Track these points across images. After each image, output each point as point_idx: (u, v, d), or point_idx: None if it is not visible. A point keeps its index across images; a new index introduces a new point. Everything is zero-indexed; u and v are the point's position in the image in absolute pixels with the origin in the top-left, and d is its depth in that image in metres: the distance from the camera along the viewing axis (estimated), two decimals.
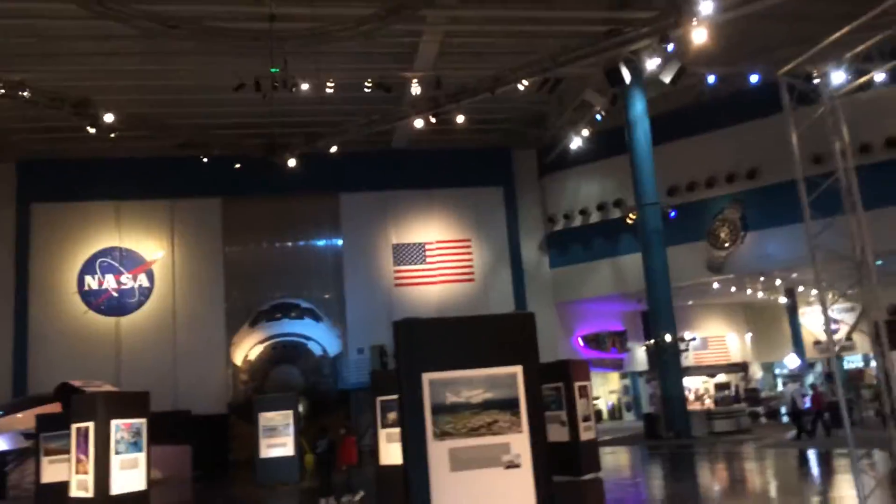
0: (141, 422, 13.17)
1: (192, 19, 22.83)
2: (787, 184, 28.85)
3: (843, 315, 39.88)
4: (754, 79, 28.11)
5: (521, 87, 25.36)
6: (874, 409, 25.27)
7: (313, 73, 24.72)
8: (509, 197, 35.43)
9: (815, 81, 26.66)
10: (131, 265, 32.13)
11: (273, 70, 24.20)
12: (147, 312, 31.99)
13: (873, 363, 41.52)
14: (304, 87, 24.56)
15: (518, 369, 6.42)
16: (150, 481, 13.40)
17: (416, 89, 25.92)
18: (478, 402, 6.28)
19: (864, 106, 27.28)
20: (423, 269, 34.08)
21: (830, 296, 39.22)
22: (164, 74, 26.89)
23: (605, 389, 40.01)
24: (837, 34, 9.90)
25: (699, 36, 21.88)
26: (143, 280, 32.16)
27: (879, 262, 31.34)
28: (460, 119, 26.38)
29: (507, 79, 24.54)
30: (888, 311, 27.39)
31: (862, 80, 10.57)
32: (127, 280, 31.96)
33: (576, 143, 31.71)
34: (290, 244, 34.33)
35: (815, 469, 17.21)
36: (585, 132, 31.16)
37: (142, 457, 13.03)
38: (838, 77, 27.69)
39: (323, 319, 29.85)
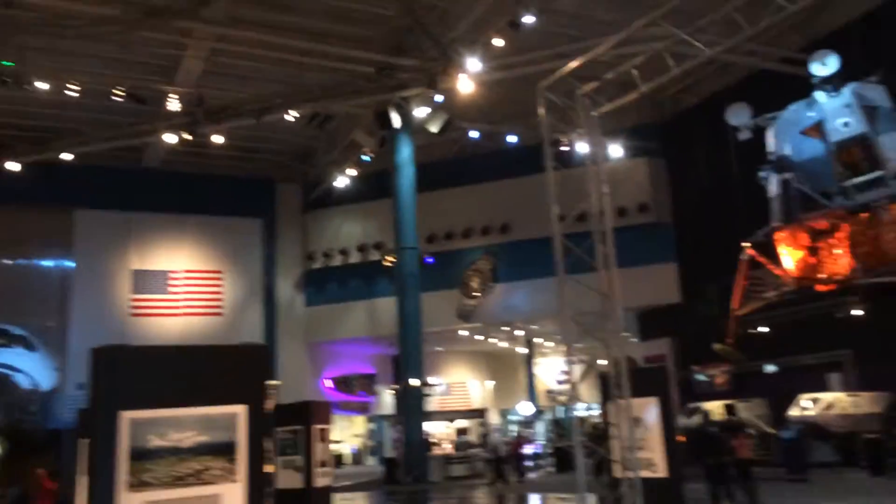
0: None
1: None
2: (535, 241, 31.16)
3: (572, 367, 43.20)
4: (513, 139, 29.88)
5: (289, 118, 24.65)
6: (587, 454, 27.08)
7: (56, 72, 22.14)
8: (268, 230, 34.14)
9: (566, 148, 28.86)
10: None
11: (6, 63, 21.37)
12: None
13: (594, 411, 45.39)
14: (42, 86, 21.84)
15: (241, 409, 5.64)
16: None
17: (174, 105, 24.09)
18: (188, 447, 5.39)
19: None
20: (166, 300, 31.49)
21: (565, 348, 41.92)
22: None
23: (350, 433, 39.44)
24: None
25: (465, 86, 22.67)
26: None
27: None
28: (219, 139, 24.73)
29: (274, 107, 23.68)
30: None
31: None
32: None
33: (342, 182, 31.45)
34: (8, 262, 30.07)
35: None
36: (352, 172, 31.04)
37: None
38: (582, 147, 30.22)
39: (37, 349, 26.24)
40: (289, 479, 13.51)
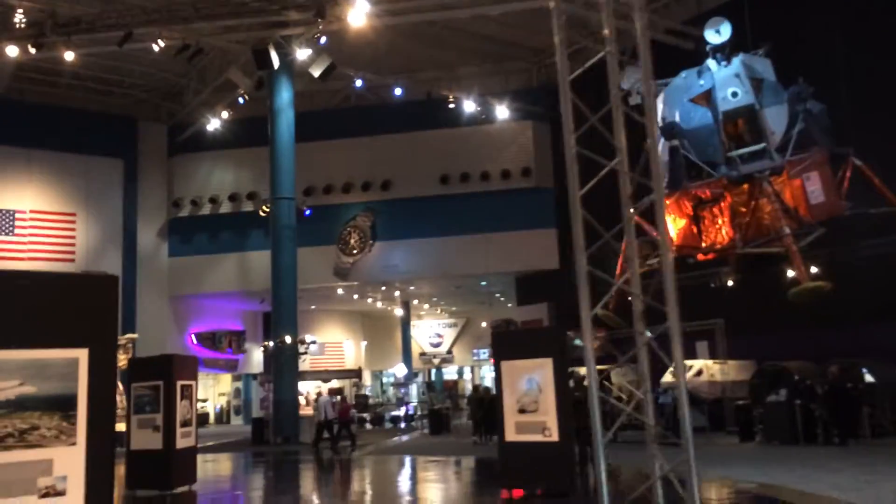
0: None
1: None
2: (416, 200, 30.43)
3: (447, 330, 43.22)
4: (398, 91, 28.74)
5: (156, 48, 22.35)
6: (467, 416, 26.96)
7: None
8: (130, 172, 31.47)
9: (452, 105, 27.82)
10: None
11: None
12: None
13: (467, 374, 45.70)
14: None
15: (81, 353, 4.44)
16: None
17: (20, 18, 21.16)
18: (7, 400, 4.18)
19: (489, 135, 29.71)
20: (10, 242, 28.41)
21: (438, 310, 41.54)
22: None
23: (216, 391, 37.71)
24: None
25: (356, 18, 21.20)
26: None
27: (483, 283, 34.28)
28: (70, 56, 21.49)
29: (138, 25, 20.96)
30: (492, 326, 29.95)
31: None
32: None
33: (213, 125, 29.33)
34: None
35: (415, 474, 17.32)
36: (226, 115, 29.01)
37: None
38: (469, 106, 29.40)
39: None
40: (146, 440, 12.16)
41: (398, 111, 30.11)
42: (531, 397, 10.54)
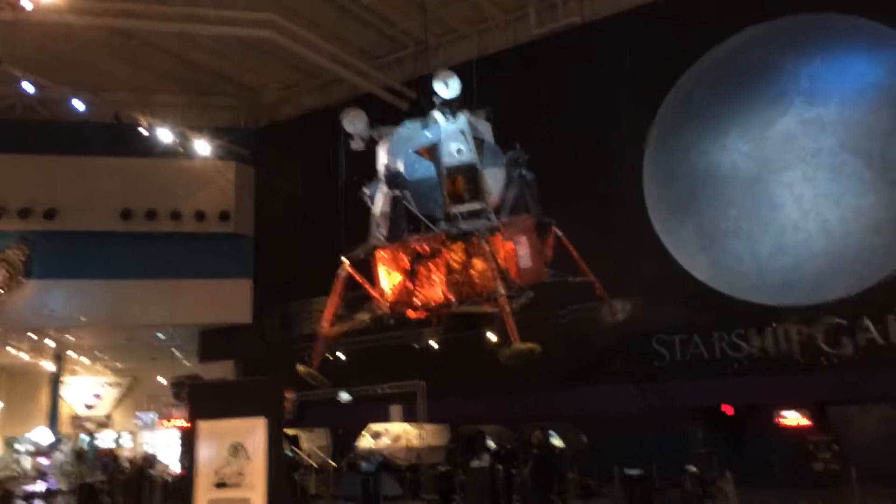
0: None
1: None
2: (89, 234, 26.18)
3: (107, 389, 37.67)
4: (79, 108, 24.59)
5: None
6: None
7: None
8: None
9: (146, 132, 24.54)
10: None
11: None
12: None
13: (126, 442, 39.93)
14: None
15: None
16: None
17: None
18: None
19: (184, 172, 26.76)
20: None
21: (99, 366, 36.09)
22: None
23: None
24: None
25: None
26: None
27: (161, 336, 30.40)
28: None
29: None
30: (172, 383, 26.24)
31: None
32: None
33: None
34: None
35: None
36: None
37: None
38: (164, 136, 26.32)
39: None
40: None
41: (76, 131, 25.97)
42: (235, 467, 8.35)
